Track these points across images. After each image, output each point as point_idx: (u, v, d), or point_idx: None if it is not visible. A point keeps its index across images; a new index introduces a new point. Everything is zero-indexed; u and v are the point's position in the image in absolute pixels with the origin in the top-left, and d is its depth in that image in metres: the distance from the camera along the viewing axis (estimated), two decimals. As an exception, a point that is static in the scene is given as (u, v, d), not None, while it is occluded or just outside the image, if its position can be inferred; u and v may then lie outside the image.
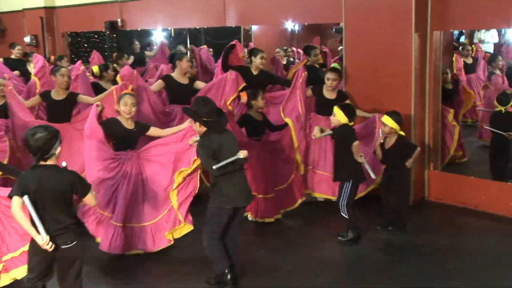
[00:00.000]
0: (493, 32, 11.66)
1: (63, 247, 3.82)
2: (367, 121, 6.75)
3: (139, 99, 6.43)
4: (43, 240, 3.70)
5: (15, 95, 6.61)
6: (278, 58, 9.58)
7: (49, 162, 3.82)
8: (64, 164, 3.92)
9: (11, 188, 3.87)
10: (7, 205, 4.30)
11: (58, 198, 3.79)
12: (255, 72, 7.42)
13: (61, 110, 6.71)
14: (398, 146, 5.86)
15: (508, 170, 7.15)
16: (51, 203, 3.78)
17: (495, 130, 7.14)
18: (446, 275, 5.05)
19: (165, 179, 5.44)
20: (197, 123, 4.66)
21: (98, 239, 5.49)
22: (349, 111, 5.66)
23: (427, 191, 7.00)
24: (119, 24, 11.35)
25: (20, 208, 3.75)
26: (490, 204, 6.46)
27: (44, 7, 12.83)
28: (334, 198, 6.69)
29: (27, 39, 13.09)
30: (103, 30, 11.98)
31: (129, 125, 5.61)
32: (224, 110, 6.14)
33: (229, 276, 4.75)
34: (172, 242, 5.50)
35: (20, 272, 4.59)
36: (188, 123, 5.49)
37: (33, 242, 3.84)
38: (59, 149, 3.85)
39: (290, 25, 10.86)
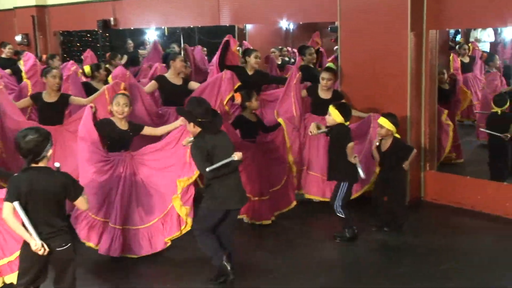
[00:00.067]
0: (489, 31, 11.72)
1: (58, 249, 3.82)
2: (362, 120, 6.77)
3: (132, 99, 6.42)
4: (36, 245, 3.69)
5: (6, 94, 6.58)
6: (272, 57, 9.59)
7: (41, 164, 3.81)
8: (57, 165, 3.91)
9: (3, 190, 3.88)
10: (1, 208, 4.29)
11: (50, 200, 3.78)
12: (250, 72, 7.43)
13: (53, 112, 6.65)
14: (394, 148, 5.88)
15: (507, 171, 7.20)
16: (44, 206, 3.77)
17: (492, 132, 7.18)
18: (443, 275, 5.08)
19: (161, 181, 5.44)
20: (191, 124, 4.66)
21: (90, 244, 5.46)
22: (344, 110, 5.68)
23: (424, 191, 7.04)
24: (112, 23, 11.33)
25: (12, 214, 3.73)
26: (486, 204, 6.50)
27: (36, 6, 12.81)
28: (323, 199, 6.79)
29: (18, 38, 13.05)
30: (96, 29, 11.96)
31: (123, 125, 5.59)
32: (220, 110, 6.13)
33: (229, 267, 4.78)
34: (169, 244, 5.49)
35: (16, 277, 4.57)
36: (181, 121, 5.47)
37: (25, 246, 3.84)
38: (50, 151, 3.84)
39: (285, 24, 10.90)
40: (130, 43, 12.73)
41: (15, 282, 4.59)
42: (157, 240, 5.47)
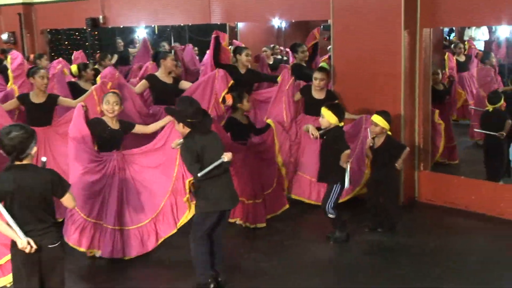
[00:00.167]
0: (484, 29, 11.79)
1: (49, 246, 3.81)
2: (354, 122, 6.79)
3: (122, 99, 6.41)
4: (22, 244, 3.68)
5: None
6: (262, 56, 9.60)
7: (25, 162, 3.78)
8: (44, 159, 3.90)
9: None
10: None
11: (37, 198, 3.76)
12: (242, 71, 7.45)
13: (41, 113, 6.63)
14: (387, 146, 5.91)
15: (502, 170, 7.25)
16: (32, 203, 3.75)
17: (487, 132, 7.23)
18: (438, 276, 5.11)
19: (152, 180, 5.45)
20: (181, 124, 4.63)
21: (81, 249, 5.43)
22: (338, 111, 5.68)
23: (418, 191, 7.07)
24: (101, 21, 11.28)
25: None
26: (481, 204, 6.54)
27: (22, 3, 12.73)
28: (308, 201, 6.85)
29: (4, 36, 12.97)
30: (84, 27, 11.91)
31: (114, 125, 5.57)
32: (215, 109, 6.11)
33: (212, 286, 4.78)
34: (159, 242, 5.50)
35: (7, 279, 4.57)
36: (169, 118, 5.42)
37: (13, 247, 3.82)
38: (35, 149, 3.82)
39: (277, 22, 10.90)
40: (120, 42, 12.69)
41: (8, 285, 4.60)
42: (148, 240, 5.47)
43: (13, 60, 7.95)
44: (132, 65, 11.25)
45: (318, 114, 5.91)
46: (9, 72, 7.86)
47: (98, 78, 6.76)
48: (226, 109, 6.75)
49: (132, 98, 6.82)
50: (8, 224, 3.71)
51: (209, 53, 7.94)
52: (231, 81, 6.77)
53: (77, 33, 14.35)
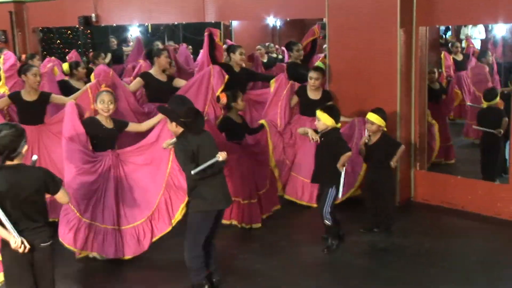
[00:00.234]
0: (480, 27, 11.81)
1: (42, 245, 3.81)
2: (346, 125, 6.77)
3: (116, 99, 6.39)
4: (16, 242, 3.67)
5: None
6: (256, 55, 9.58)
7: (16, 161, 3.78)
8: (35, 158, 3.89)
9: None
10: None
11: (30, 197, 3.76)
12: (236, 70, 7.43)
13: (34, 111, 6.57)
14: (382, 142, 5.91)
15: (498, 168, 7.27)
16: (25, 202, 3.74)
17: (485, 129, 7.24)
18: (434, 277, 5.11)
19: (146, 178, 5.45)
20: (174, 123, 4.59)
21: (75, 249, 5.40)
22: (333, 112, 5.61)
23: (413, 191, 7.07)
24: (94, 19, 11.27)
25: None
26: (477, 204, 6.55)
27: (13, 1, 12.68)
28: (300, 202, 6.87)
29: (-5, 35, 12.94)
30: (77, 26, 11.87)
31: (108, 124, 5.55)
32: (212, 105, 6.09)
33: (206, 287, 4.78)
34: (154, 240, 5.49)
35: None
36: (161, 116, 5.38)
37: (4, 247, 3.80)
38: (25, 147, 3.82)
39: (272, 21, 10.90)
40: (113, 40, 12.66)
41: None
42: (144, 239, 5.46)
43: (6, 60, 7.91)
44: (126, 64, 11.23)
45: (313, 114, 5.85)
46: (1, 72, 7.82)
47: (92, 76, 6.73)
48: (220, 108, 6.74)
49: (127, 96, 6.80)
50: (0, 224, 3.70)
51: (203, 52, 7.92)
52: (227, 76, 6.77)
53: (69, 32, 14.31)
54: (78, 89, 6.93)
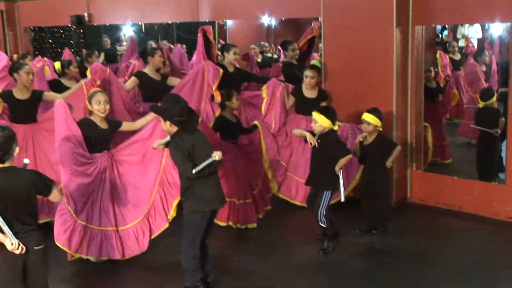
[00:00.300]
0: (477, 27, 11.83)
1: (36, 248, 3.83)
2: (341, 129, 6.75)
3: (110, 97, 6.37)
4: (13, 244, 3.68)
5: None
6: (251, 54, 9.59)
7: (7, 164, 3.78)
8: (26, 161, 3.90)
9: None
10: None
11: (22, 200, 3.77)
12: (230, 69, 7.43)
13: (27, 110, 6.56)
14: (378, 142, 5.93)
15: (495, 167, 7.30)
16: (16, 205, 3.75)
17: (483, 128, 7.26)
18: (430, 279, 5.13)
19: (140, 176, 5.46)
20: (168, 122, 4.58)
21: (70, 252, 5.38)
22: (329, 113, 5.58)
23: (410, 192, 7.10)
24: (86, 18, 11.23)
25: None
26: (474, 205, 6.58)
27: (4, 0, 12.63)
28: (293, 202, 6.89)
29: (-15, 35, 12.87)
30: (69, 25, 11.85)
31: (103, 124, 5.52)
32: (209, 102, 6.09)
33: None
34: (152, 237, 5.50)
35: None
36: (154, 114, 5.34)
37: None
38: (17, 149, 3.83)
39: (267, 20, 10.89)
40: (106, 40, 12.63)
41: None
42: (144, 238, 5.46)
43: None
44: (120, 64, 11.21)
45: (309, 113, 5.85)
46: None
47: (88, 72, 6.70)
48: (215, 106, 6.76)
49: (122, 96, 6.80)
50: None
51: (198, 52, 7.92)
52: (221, 70, 6.78)
53: (61, 31, 14.26)
54: (69, 89, 6.91)
